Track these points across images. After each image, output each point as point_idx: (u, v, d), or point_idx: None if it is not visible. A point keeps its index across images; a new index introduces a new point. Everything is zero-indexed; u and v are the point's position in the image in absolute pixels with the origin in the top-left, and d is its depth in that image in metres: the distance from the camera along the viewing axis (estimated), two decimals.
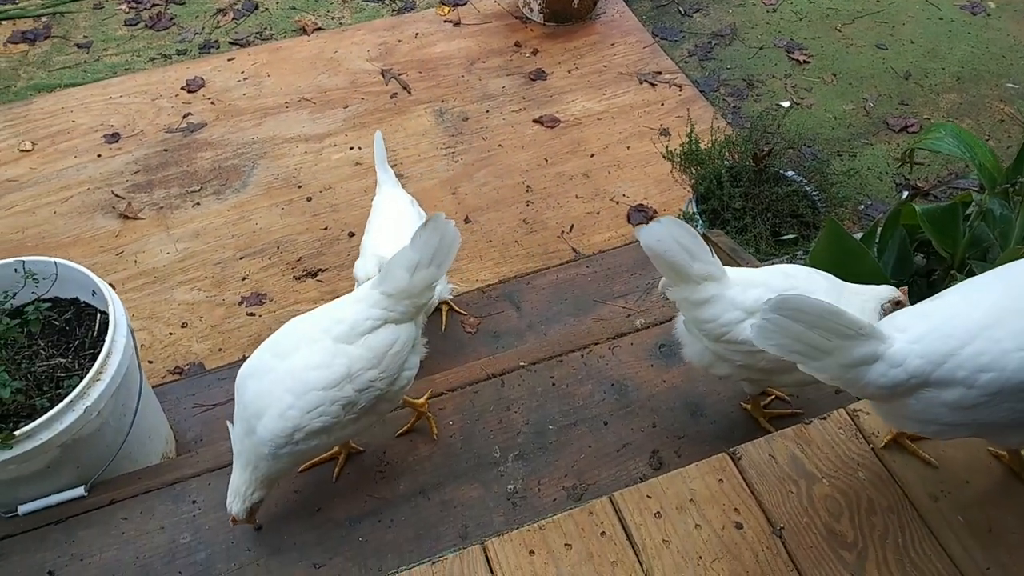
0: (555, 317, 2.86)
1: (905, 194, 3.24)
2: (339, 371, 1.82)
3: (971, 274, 2.08)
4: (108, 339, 2.08)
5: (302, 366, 1.83)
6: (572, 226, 3.47)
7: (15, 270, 2.22)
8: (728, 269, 1.90)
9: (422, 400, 2.22)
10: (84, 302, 2.29)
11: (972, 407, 1.42)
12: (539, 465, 2.16)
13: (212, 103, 3.98)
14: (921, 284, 2.50)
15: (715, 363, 1.98)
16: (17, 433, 1.90)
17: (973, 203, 2.37)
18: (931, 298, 1.59)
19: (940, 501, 1.70)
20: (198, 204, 3.53)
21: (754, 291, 1.82)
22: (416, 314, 1.97)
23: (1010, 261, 2.08)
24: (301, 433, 1.81)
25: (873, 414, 1.83)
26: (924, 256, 2.59)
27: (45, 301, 2.21)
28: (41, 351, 2.15)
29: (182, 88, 4.04)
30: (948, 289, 1.60)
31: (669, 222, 1.81)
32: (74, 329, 2.24)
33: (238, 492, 1.87)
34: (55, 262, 2.23)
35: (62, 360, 2.15)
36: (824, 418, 1.83)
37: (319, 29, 4.39)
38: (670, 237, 1.80)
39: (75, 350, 2.19)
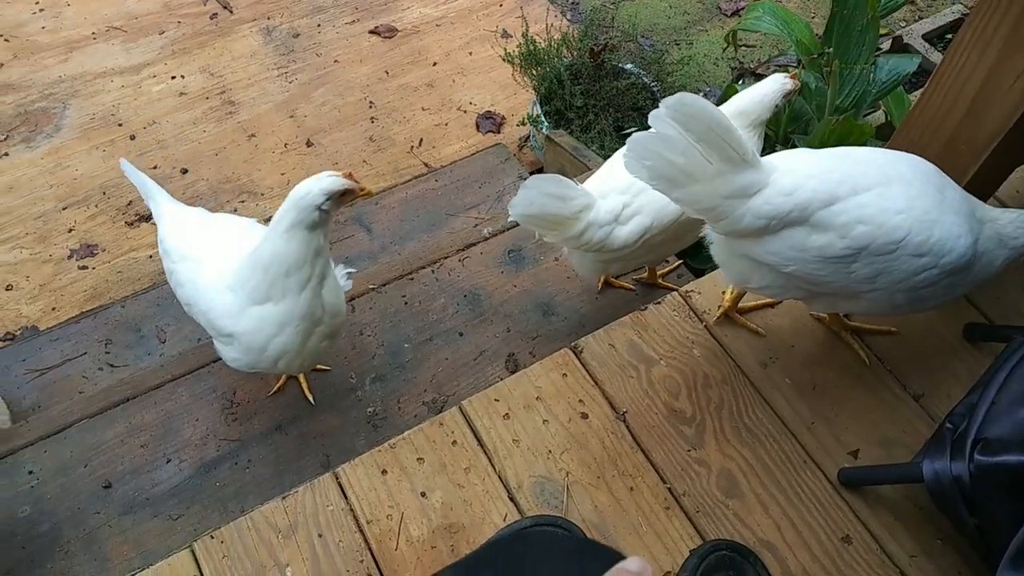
0: (409, 235, 2.80)
1: (734, 77, 3.32)
2: None
3: (794, 147, 2.15)
4: None
5: None
6: (421, 140, 3.37)
7: None
8: (588, 185, 1.85)
9: None
10: None
11: (831, 259, 1.42)
12: (397, 384, 2.15)
13: (6, 40, 3.55)
14: None
15: (607, 267, 1.99)
16: None
17: None
18: (812, 151, 1.54)
19: (769, 367, 1.80)
20: (6, 155, 3.18)
21: (607, 202, 1.81)
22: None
23: (824, 132, 2.19)
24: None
25: (704, 293, 1.90)
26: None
27: None
28: None
29: None
30: (823, 150, 1.54)
31: (532, 182, 1.72)
32: None
33: None
34: None
35: None
36: (658, 303, 1.89)
37: None
38: (539, 195, 1.72)
39: None
